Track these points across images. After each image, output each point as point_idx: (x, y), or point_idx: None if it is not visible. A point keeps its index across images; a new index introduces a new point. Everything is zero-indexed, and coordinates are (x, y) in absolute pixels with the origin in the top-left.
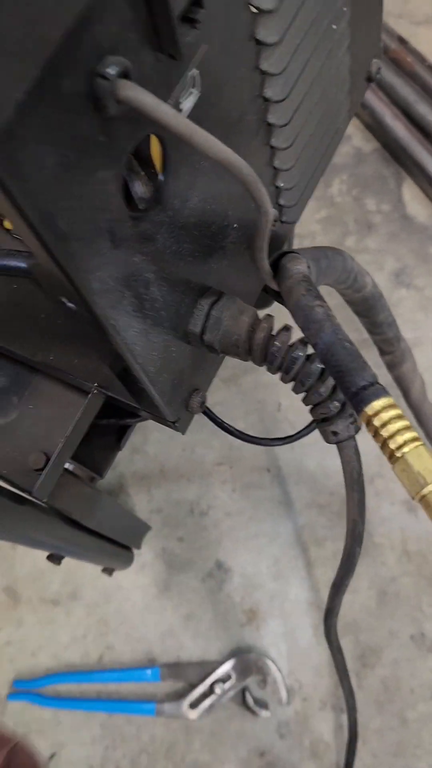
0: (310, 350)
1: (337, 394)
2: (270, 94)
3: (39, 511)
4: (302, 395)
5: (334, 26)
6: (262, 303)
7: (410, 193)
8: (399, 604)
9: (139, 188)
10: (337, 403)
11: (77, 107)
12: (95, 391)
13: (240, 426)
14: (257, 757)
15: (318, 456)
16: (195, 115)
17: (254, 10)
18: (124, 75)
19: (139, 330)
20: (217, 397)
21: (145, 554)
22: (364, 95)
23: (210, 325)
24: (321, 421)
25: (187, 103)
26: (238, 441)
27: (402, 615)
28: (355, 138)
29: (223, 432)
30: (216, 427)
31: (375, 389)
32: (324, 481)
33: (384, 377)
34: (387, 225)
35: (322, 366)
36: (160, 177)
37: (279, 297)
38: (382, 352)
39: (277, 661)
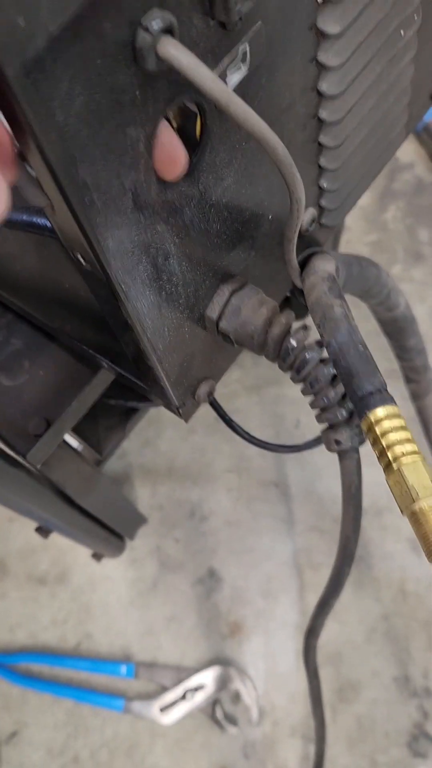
0: (326, 354)
1: (346, 402)
2: (325, 87)
3: (32, 479)
4: (310, 398)
5: (402, 32)
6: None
7: None
8: (387, 643)
9: None
10: (344, 412)
11: (115, 54)
12: (105, 366)
13: (255, 435)
14: None
15: (328, 480)
16: (240, 92)
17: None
18: (169, 31)
19: (153, 302)
20: (236, 404)
21: (138, 549)
22: (425, 113)
23: (228, 313)
24: (326, 428)
25: (234, 78)
26: (250, 451)
27: (388, 655)
28: (418, 167)
29: (235, 440)
30: (229, 433)
31: (382, 396)
32: (330, 507)
33: (407, 408)
34: None
35: (335, 371)
36: (196, 149)
37: (302, 295)
38: (408, 380)
39: (253, 679)
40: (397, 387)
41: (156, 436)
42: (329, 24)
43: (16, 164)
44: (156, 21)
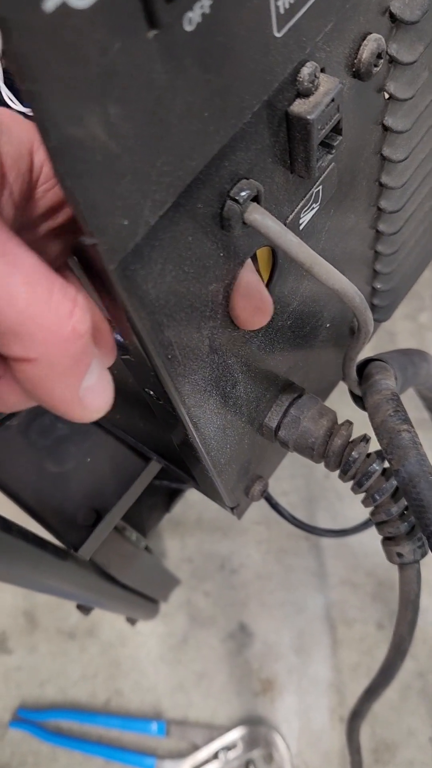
0: (386, 464)
1: (408, 515)
2: (384, 205)
3: (77, 565)
4: (371, 509)
5: None
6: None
7: None
8: (423, 701)
9: None
10: (407, 525)
11: (205, 227)
12: (155, 459)
13: (285, 487)
14: None
15: (361, 533)
16: (311, 225)
17: (387, 130)
18: (255, 198)
19: (219, 426)
20: None
21: (169, 603)
22: None
23: (287, 423)
24: (386, 539)
25: (306, 217)
26: None
27: (424, 714)
28: None
29: None
30: None
31: None
32: (362, 560)
33: None
34: None
35: (397, 484)
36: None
37: (360, 401)
38: None
39: (286, 738)
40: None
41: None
42: (393, 151)
43: (115, 350)
44: (245, 191)
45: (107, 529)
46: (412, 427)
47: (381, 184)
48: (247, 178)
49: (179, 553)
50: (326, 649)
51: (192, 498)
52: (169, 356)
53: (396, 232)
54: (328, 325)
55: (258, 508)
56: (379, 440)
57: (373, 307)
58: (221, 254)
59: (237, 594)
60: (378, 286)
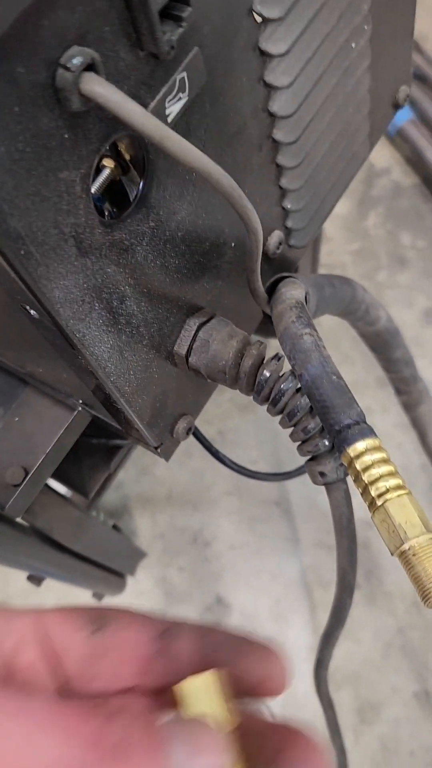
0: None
1: (324, 434)
2: (276, 108)
3: (16, 530)
4: (290, 431)
5: (353, 44)
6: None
7: None
8: (404, 658)
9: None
10: (326, 442)
11: (35, 98)
12: (80, 409)
13: (253, 455)
14: None
15: None
16: (185, 122)
17: (258, 18)
18: (91, 68)
19: (113, 346)
20: (230, 424)
21: (143, 581)
22: (389, 122)
23: (197, 347)
24: (309, 460)
25: (174, 108)
26: None
27: (407, 670)
28: (395, 171)
29: None
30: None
31: (360, 428)
32: None
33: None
34: (420, 262)
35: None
36: (141, 184)
37: (272, 322)
38: (398, 392)
39: (270, 706)
40: (390, 396)
41: (152, 464)
42: (272, 44)
43: None
44: (76, 58)
45: (36, 486)
46: (316, 331)
47: (266, 84)
48: (80, 45)
49: (151, 530)
50: (305, 613)
51: (160, 474)
52: (23, 252)
53: (295, 141)
54: (233, 244)
55: (228, 478)
56: (282, 348)
57: (287, 230)
58: (66, 135)
59: (211, 567)
60: (288, 205)
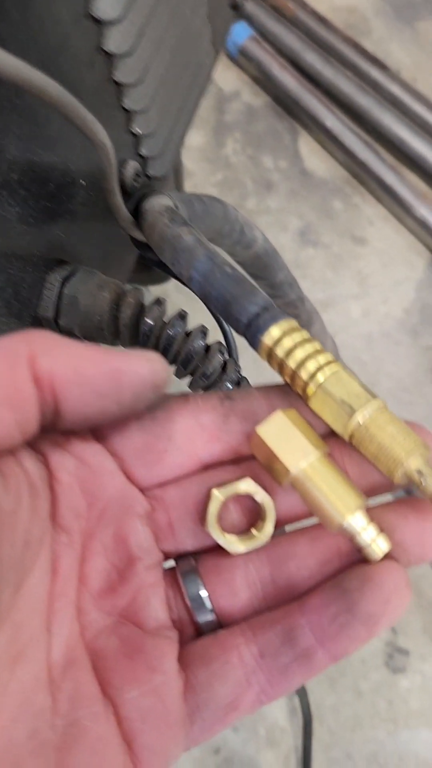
0: (189, 327)
1: (227, 373)
2: (100, 12)
3: None
4: (188, 381)
5: None
6: (157, 279)
7: (307, 147)
8: None
9: None
10: (230, 385)
11: None
12: None
13: None
14: (212, 755)
15: None
16: None
17: None
18: None
19: None
20: None
21: None
22: (230, 26)
23: (65, 307)
24: None
25: None
26: None
27: None
28: (244, 93)
29: None
30: None
31: (271, 313)
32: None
33: None
34: (286, 183)
35: (205, 342)
36: None
37: (143, 248)
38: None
39: None
40: None
41: None
42: None
43: None
44: None
45: None
46: (195, 228)
47: None
48: None
49: None
50: None
51: None
52: None
53: (130, 52)
54: (83, 182)
55: None
56: (165, 258)
57: (143, 159)
58: None
59: None
60: (138, 129)
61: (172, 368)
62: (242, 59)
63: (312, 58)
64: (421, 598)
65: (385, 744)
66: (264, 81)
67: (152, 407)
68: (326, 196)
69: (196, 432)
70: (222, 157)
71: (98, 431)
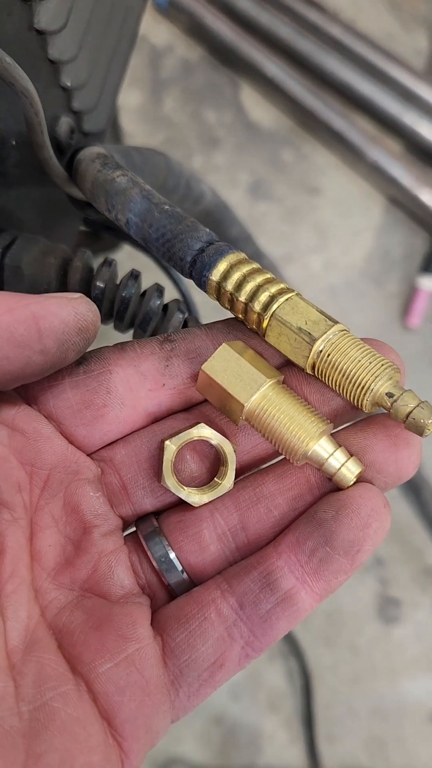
0: (143, 287)
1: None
2: None
3: None
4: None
5: None
6: (107, 246)
7: (249, 98)
8: None
9: None
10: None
11: None
12: None
13: None
14: (215, 726)
15: None
16: None
17: None
18: None
19: None
20: None
21: None
22: None
23: (9, 278)
24: None
25: None
26: None
27: None
28: (178, 47)
29: None
30: None
31: (216, 247)
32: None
33: None
34: (232, 137)
35: (161, 301)
36: None
37: (79, 206)
38: None
39: None
40: None
41: None
42: None
43: None
44: None
45: None
46: (128, 171)
47: None
48: None
49: None
50: None
51: None
52: None
53: None
54: (13, 142)
55: None
56: (100, 207)
57: (76, 114)
58: None
59: None
60: (68, 82)
61: (130, 331)
62: (172, 11)
63: (246, 5)
64: (406, 546)
65: (385, 695)
66: (198, 32)
67: (86, 360)
68: (275, 148)
69: (137, 381)
70: (162, 116)
71: (28, 393)
